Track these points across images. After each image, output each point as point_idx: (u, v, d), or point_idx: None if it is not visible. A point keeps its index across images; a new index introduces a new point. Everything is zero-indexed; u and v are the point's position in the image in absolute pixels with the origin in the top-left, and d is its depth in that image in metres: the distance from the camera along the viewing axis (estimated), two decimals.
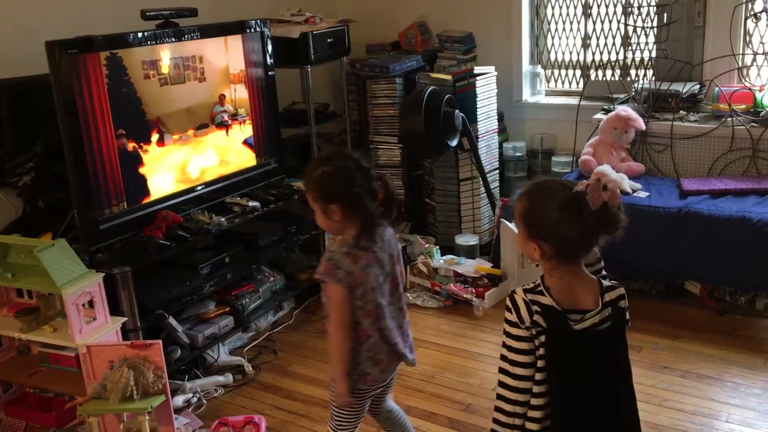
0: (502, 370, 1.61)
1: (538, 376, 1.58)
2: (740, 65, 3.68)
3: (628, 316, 1.64)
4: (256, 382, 3.04)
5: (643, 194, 3.40)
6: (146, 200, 2.96)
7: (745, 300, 3.31)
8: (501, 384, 1.61)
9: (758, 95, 3.55)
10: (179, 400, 2.83)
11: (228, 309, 3.23)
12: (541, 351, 1.57)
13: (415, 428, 2.62)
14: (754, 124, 3.49)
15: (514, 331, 1.59)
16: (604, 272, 1.80)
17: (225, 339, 3.20)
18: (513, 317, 1.59)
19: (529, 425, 1.61)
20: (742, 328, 3.17)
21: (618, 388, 1.65)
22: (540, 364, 1.57)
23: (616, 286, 1.64)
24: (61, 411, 2.65)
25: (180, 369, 2.97)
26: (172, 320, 2.90)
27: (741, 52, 3.68)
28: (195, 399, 2.89)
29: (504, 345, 1.61)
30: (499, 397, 1.62)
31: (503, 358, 1.61)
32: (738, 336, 3.11)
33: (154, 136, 2.98)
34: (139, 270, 2.74)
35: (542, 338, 1.56)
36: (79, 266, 2.51)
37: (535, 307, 1.56)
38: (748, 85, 3.64)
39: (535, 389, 1.59)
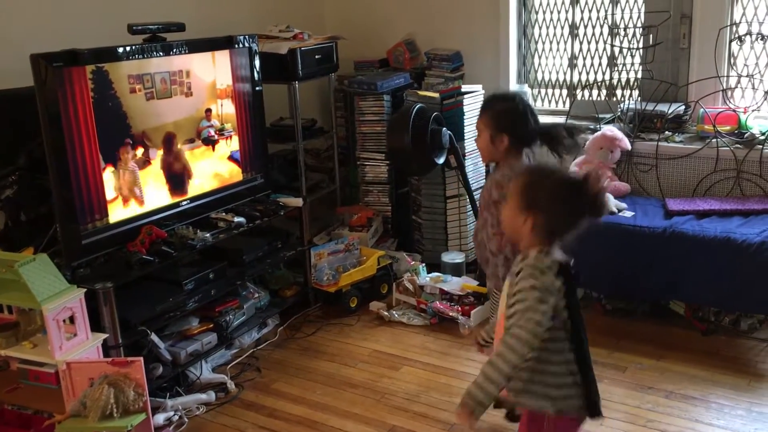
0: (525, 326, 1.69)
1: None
2: (725, 87, 3.71)
3: None
4: (239, 400, 3.00)
5: (628, 214, 3.41)
6: (130, 215, 2.93)
7: (729, 320, 3.31)
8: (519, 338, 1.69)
9: (742, 117, 3.58)
10: (160, 419, 2.79)
11: (211, 325, 3.20)
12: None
13: None
14: (739, 146, 3.52)
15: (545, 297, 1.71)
16: None
17: (208, 356, 3.17)
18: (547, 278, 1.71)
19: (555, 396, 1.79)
20: (726, 349, 3.18)
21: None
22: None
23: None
24: (39, 428, 2.60)
25: (161, 386, 2.93)
26: (154, 337, 2.86)
27: (726, 74, 3.72)
28: (176, 417, 2.85)
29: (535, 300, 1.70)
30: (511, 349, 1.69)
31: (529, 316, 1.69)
32: (722, 357, 3.11)
33: (139, 151, 2.96)
34: (121, 285, 2.71)
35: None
36: (61, 281, 2.48)
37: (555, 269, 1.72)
38: (732, 106, 3.68)
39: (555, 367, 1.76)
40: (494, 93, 2.52)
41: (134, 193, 2.94)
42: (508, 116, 2.37)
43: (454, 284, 3.67)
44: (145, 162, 2.99)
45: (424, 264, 3.89)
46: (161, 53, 2.99)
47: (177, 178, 3.15)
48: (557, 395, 1.80)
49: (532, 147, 2.40)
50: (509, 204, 1.79)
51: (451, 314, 3.50)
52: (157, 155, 3.05)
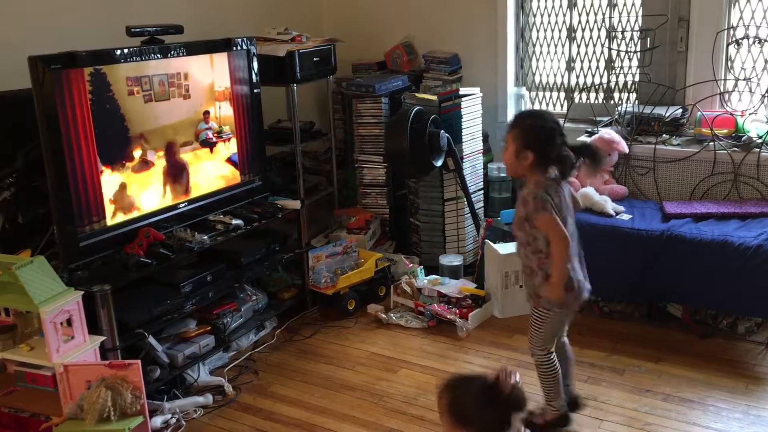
0: None
1: None
2: (722, 90, 3.72)
3: None
4: (237, 403, 3.00)
5: (626, 217, 3.41)
6: (127, 217, 2.92)
7: (726, 323, 3.32)
8: None
9: (740, 120, 3.59)
10: (157, 422, 2.79)
11: (209, 328, 3.19)
12: None
13: None
14: (736, 149, 3.52)
15: None
16: None
17: (205, 359, 3.16)
18: None
19: None
20: (724, 352, 3.18)
21: None
22: None
23: None
24: (36, 431, 2.60)
25: (159, 389, 2.93)
26: (151, 339, 2.86)
27: (723, 77, 3.73)
28: (174, 420, 2.84)
29: None
30: None
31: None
32: (720, 359, 3.11)
33: (137, 153, 2.96)
34: (119, 288, 2.71)
35: None
36: (58, 284, 2.48)
37: None
38: (729, 110, 3.69)
39: None
40: (526, 110, 2.59)
41: (131, 197, 2.94)
42: (535, 133, 2.40)
43: (452, 287, 3.66)
44: (143, 164, 2.98)
45: (421, 266, 3.89)
46: (159, 55, 2.99)
47: (175, 180, 3.15)
48: None
49: (559, 165, 2.42)
50: (444, 424, 1.87)
51: (449, 317, 3.50)
52: (155, 157, 3.04)
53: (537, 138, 2.39)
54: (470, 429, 1.80)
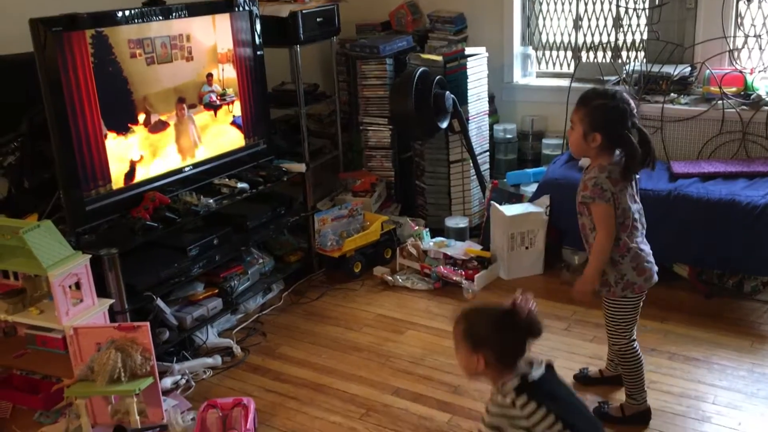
0: None
1: None
2: (731, 48, 3.67)
3: None
4: (245, 364, 3.03)
5: None
6: (133, 181, 2.92)
7: (732, 283, 3.32)
8: None
9: (749, 78, 3.55)
10: (167, 382, 2.82)
11: (216, 291, 3.21)
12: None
13: (404, 410, 2.65)
14: (745, 107, 3.49)
15: None
16: None
17: (213, 321, 3.19)
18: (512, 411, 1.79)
19: None
20: (729, 311, 3.19)
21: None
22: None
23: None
24: (48, 393, 2.64)
25: (168, 351, 2.96)
26: (159, 302, 2.88)
27: (732, 34, 3.67)
28: (183, 381, 2.88)
29: None
30: None
31: None
32: (725, 319, 3.12)
33: (141, 116, 2.94)
34: (126, 251, 2.72)
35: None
36: (66, 248, 2.49)
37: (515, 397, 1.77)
38: (739, 67, 3.64)
39: None
40: (595, 88, 2.37)
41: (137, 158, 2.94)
42: (604, 114, 2.23)
43: (458, 249, 3.67)
44: (146, 127, 2.97)
45: (427, 229, 3.89)
46: (161, 17, 2.96)
47: (179, 143, 3.14)
48: None
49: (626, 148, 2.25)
50: (460, 351, 1.87)
51: (454, 278, 3.51)
52: (159, 120, 3.03)
53: (606, 119, 2.23)
54: (486, 353, 1.80)
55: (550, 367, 1.85)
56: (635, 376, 2.47)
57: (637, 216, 2.32)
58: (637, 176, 2.34)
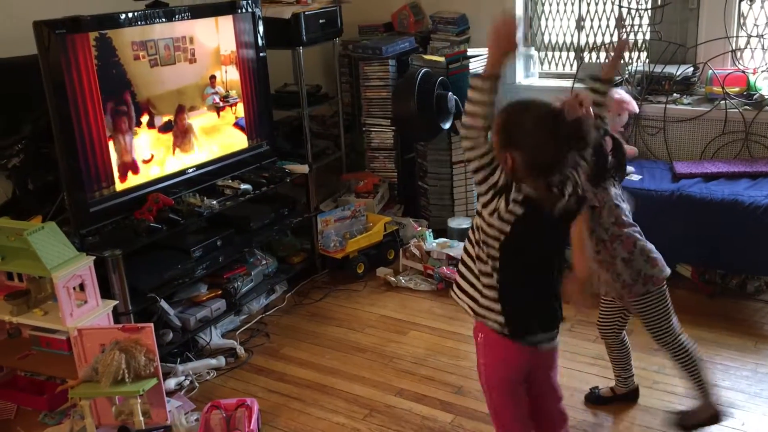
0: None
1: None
2: (734, 48, 3.66)
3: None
4: (249, 365, 3.04)
5: (635, 177, 3.39)
6: (137, 183, 2.93)
7: (736, 283, 3.32)
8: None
9: (751, 78, 3.54)
10: (171, 383, 2.83)
11: (220, 292, 3.22)
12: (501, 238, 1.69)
13: (407, 411, 2.65)
14: (747, 107, 3.48)
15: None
16: None
17: (217, 322, 3.20)
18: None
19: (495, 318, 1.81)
20: (733, 311, 3.18)
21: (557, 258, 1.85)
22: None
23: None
24: (52, 394, 2.65)
25: (172, 352, 2.97)
26: (163, 303, 2.89)
27: (735, 34, 3.66)
28: (187, 382, 2.89)
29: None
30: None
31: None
32: (729, 319, 3.12)
33: (144, 118, 2.95)
34: (130, 253, 2.73)
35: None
36: (70, 249, 2.50)
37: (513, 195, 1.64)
38: (741, 67, 3.63)
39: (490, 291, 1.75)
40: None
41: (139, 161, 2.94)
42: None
43: (461, 250, 3.66)
44: (150, 129, 2.98)
45: (430, 230, 3.90)
46: (164, 19, 2.97)
47: (183, 145, 3.15)
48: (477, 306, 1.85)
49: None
50: (494, 143, 1.69)
51: None
52: (162, 122, 3.04)
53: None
54: (518, 153, 1.60)
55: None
56: (694, 371, 2.38)
57: (629, 214, 2.32)
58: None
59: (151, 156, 2.99)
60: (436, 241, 3.79)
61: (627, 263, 2.29)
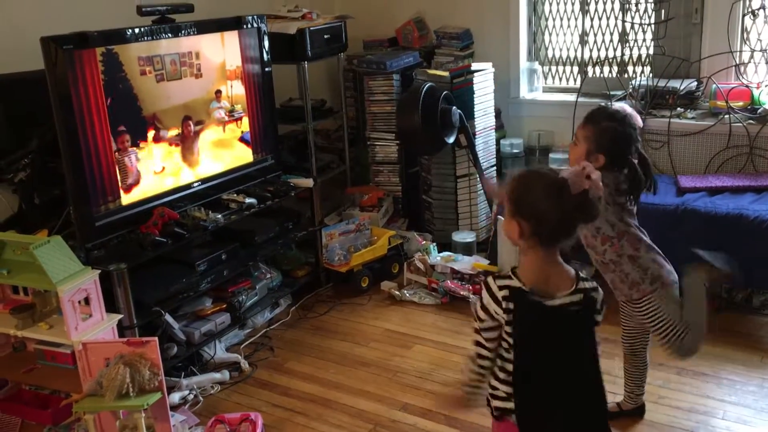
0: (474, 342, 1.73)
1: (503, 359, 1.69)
2: (738, 62, 3.67)
3: (600, 308, 1.71)
4: (253, 379, 3.03)
5: None
6: (142, 197, 2.94)
7: (742, 297, 3.31)
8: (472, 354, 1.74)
9: (755, 92, 3.55)
10: (175, 398, 2.83)
11: (225, 306, 3.22)
12: (507, 333, 1.65)
13: (412, 426, 2.64)
14: (752, 122, 3.49)
15: (481, 313, 1.69)
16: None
17: (221, 336, 3.20)
18: (485, 297, 1.69)
19: (495, 403, 1.74)
20: (738, 326, 3.17)
21: (582, 372, 1.72)
22: (506, 347, 1.68)
23: (591, 281, 1.71)
24: (56, 408, 2.64)
25: (176, 366, 2.97)
26: (168, 317, 2.89)
27: (738, 49, 3.68)
28: (191, 396, 2.89)
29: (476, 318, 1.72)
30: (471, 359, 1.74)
31: (475, 331, 1.72)
32: (735, 333, 3.11)
33: (150, 133, 2.97)
34: (135, 267, 2.74)
35: (508, 322, 1.64)
36: (75, 263, 2.50)
37: (503, 292, 1.64)
38: (745, 82, 3.64)
39: (501, 375, 1.70)
40: (605, 107, 2.33)
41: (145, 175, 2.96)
42: (612, 138, 2.23)
43: (465, 263, 3.67)
44: (156, 144, 2.99)
45: (434, 243, 3.90)
46: (170, 35, 2.99)
47: (188, 159, 3.16)
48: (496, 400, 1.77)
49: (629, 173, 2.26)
50: (506, 212, 1.72)
51: (462, 293, 3.51)
52: (168, 137, 3.05)
53: (612, 141, 2.23)
54: (521, 221, 1.62)
55: (589, 306, 1.65)
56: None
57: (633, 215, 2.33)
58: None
59: (157, 170, 3.00)
60: (441, 254, 3.79)
61: (634, 261, 2.29)
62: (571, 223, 1.62)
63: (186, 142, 3.15)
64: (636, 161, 2.27)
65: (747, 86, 3.58)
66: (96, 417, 2.48)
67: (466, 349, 3.11)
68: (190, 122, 3.16)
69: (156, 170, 3.00)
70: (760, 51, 3.65)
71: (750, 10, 3.63)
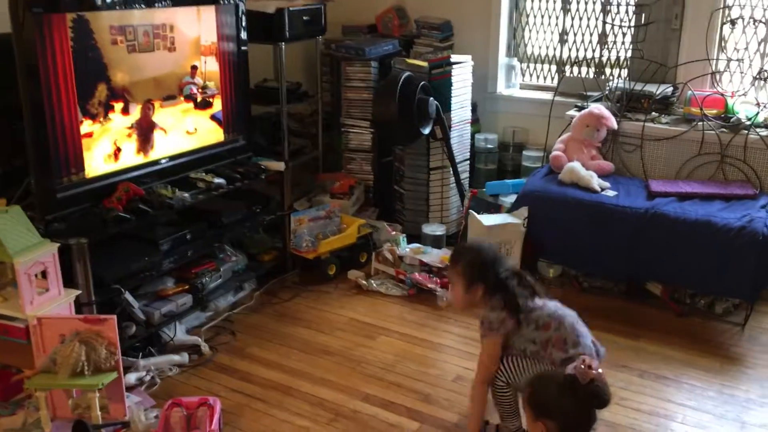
0: None
1: None
2: (714, 70, 3.70)
3: None
4: (213, 363, 2.97)
5: (611, 193, 3.41)
6: (107, 171, 2.86)
7: (704, 303, 3.34)
8: None
9: (730, 101, 3.58)
10: (132, 378, 2.76)
11: (187, 287, 3.15)
12: None
13: (373, 417, 2.62)
14: (724, 130, 3.52)
15: None
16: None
17: (182, 317, 3.13)
18: None
19: None
20: (700, 331, 3.20)
21: None
22: None
23: None
24: (7, 384, 2.57)
25: (134, 346, 2.89)
26: (128, 295, 2.82)
27: (715, 57, 3.71)
28: (148, 377, 2.82)
29: None
30: None
31: None
32: (696, 339, 3.14)
33: (119, 105, 2.88)
34: (96, 242, 2.66)
35: None
36: (34, 235, 2.43)
37: None
38: (720, 90, 3.67)
39: None
40: (460, 244, 2.53)
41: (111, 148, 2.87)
42: (478, 265, 2.36)
43: (434, 256, 3.65)
44: (124, 116, 2.91)
45: (404, 234, 3.87)
46: (144, 5, 2.90)
47: (156, 134, 3.08)
48: None
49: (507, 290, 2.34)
50: (525, 415, 1.89)
51: (429, 286, 3.49)
52: (137, 110, 2.97)
53: (481, 269, 2.35)
54: (551, 422, 1.80)
55: None
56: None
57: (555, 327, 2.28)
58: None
59: (122, 143, 2.92)
60: (410, 246, 3.76)
61: (564, 362, 2.11)
62: (591, 414, 1.82)
63: (154, 117, 3.06)
64: (512, 278, 2.35)
65: (722, 95, 3.61)
66: (48, 395, 2.42)
67: (431, 342, 3.11)
68: (161, 96, 3.07)
69: (123, 144, 2.92)
70: (737, 60, 3.68)
71: (729, 19, 3.66)
